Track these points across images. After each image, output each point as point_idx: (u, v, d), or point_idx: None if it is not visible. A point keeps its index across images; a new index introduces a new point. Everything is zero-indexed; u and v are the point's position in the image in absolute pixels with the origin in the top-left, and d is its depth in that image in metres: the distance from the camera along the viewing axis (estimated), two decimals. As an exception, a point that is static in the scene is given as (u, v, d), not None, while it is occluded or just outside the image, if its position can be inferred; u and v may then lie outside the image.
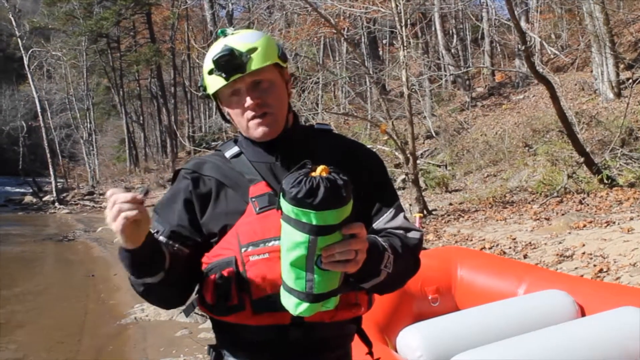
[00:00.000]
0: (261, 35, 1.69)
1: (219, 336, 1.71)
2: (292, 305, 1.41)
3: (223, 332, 1.68)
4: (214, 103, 1.76)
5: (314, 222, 1.31)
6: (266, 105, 1.64)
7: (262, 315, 1.56)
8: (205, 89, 1.73)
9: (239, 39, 1.64)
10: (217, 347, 1.71)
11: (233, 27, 1.74)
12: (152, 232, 1.62)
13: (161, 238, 1.59)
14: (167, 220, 1.66)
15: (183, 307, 1.73)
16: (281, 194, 1.34)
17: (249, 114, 1.64)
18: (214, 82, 1.64)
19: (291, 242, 1.34)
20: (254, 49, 1.61)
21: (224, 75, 1.60)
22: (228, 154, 1.74)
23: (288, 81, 1.74)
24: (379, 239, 1.56)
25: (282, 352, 1.61)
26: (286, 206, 1.33)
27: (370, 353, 1.79)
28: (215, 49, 1.63)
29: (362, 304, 1.66)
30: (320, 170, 1.33)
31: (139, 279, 1.51)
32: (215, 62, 1.60)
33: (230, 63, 1.59)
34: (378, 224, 1.69)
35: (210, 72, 1.64)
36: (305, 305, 1.39)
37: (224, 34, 1.68)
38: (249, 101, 1.62)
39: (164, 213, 1.68)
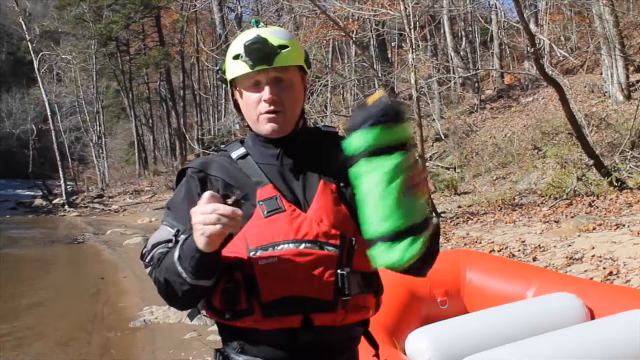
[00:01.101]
0: (292, 35, 1.70)
1: (226, 340, 1.70)
2: (402, 250, 1.34)
3: (230, 336, 1.67)
4: (230, 103, 1.76)
5: (403, 136, 1.34)
6: (281, 104, 1.63)
7: (272, 319, 1.55)
8: (223, 73, 1.72)
9: (272, 33, 1.64)
10: (223, 351, 1.69)
11: (244, 28, 1.73)
12: (172, 230, 1.63)
13: (182, 237, 1.56)
14: (187, 218, 1.61)
15: (188, 311, 1.72)
16: (352, 132, 1.36)
17: (264, 107, 1.63)
18: (237, 68, 1.64)
19: (385, 175, 1.33)
20: (285, 46, 1.62)
21: (250, 62, 1.60)
22: (234, 154, 1.73)
23: (305, 88, 1.75)
24: None
25: (290, 356, 1.61)
26: (367, 137, 1.33)
27: (377, 355, 1.78)
28: (248, 35, 1.63)
29: (370, 307, 1.66)
30: (379, 95, 1.36)
31: (195, 280, 1.47)
32: (247, 47, 1.59)
33: (260, 52, 1.59)
34: None
35: (236, 57, 1.63)
36: (419, 240, 1.34)
37: (257, 25, 1.68)
38: (267, 94, 1.62)
39: (182, 212, 1.65)
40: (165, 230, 1.65)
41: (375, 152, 1.33)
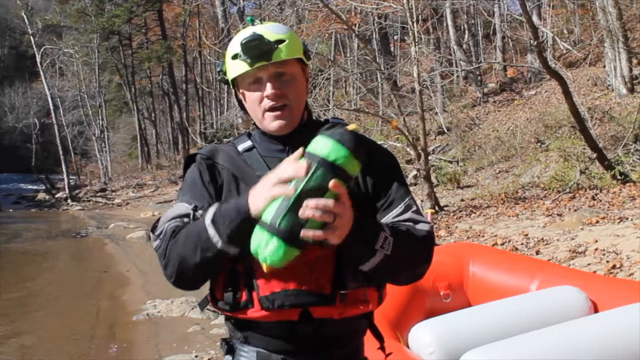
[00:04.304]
0: (289, 29, 1.69)
1: (231, 330, 1.71)
2: (255, 243, 1.41)
3: (235, 327, 1.68)
4: (232, 96, 1.76)
5: (350, 168, 1.39)
6: (286, 98, 1.63)
7: (271, 311, 1.55)
8: (224, 74, 1.72)
9: (268, 29, 1.64)
10: (229, 340, 1.71)
11: (247, 23, 1.73)
12: (189, 206, 1.64)
13: (200, 212, 1.59)
14: (203, 197, 1.65)
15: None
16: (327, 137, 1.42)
17: (267, 103, 1.63)
18: (237, 67, 1.64)
19: (305, 182, 1.38)
20: (282, 40, 1.62)
21: (249, 60, 1.60)
22: (240, 147, 1.73)
23: (307, 80, 1.75)
24: (377, 220, 1.57)
25: (292, 348, 1.62)
26: (333, 148, 1.40)
27: (382, 348, 1.78)
28: (244, 34, 1.62)
29: (371, 301, 1.65)
30: (353, 127, 1.44)
31: (226, 245, 1.48)
32: (243, 45, 1.59)
33: (257, 48, 1.58)
34: (386, 218, 1.66)
35: (235, 57, 1.63)
36: (261, 238, 1.40)
37: (253, 22, 1.68)
38: (269, 89, 1.61)
39: (197, 191, 1.67)
40: (182, 206, 1.65)
41: (324, 164, 1.37)
